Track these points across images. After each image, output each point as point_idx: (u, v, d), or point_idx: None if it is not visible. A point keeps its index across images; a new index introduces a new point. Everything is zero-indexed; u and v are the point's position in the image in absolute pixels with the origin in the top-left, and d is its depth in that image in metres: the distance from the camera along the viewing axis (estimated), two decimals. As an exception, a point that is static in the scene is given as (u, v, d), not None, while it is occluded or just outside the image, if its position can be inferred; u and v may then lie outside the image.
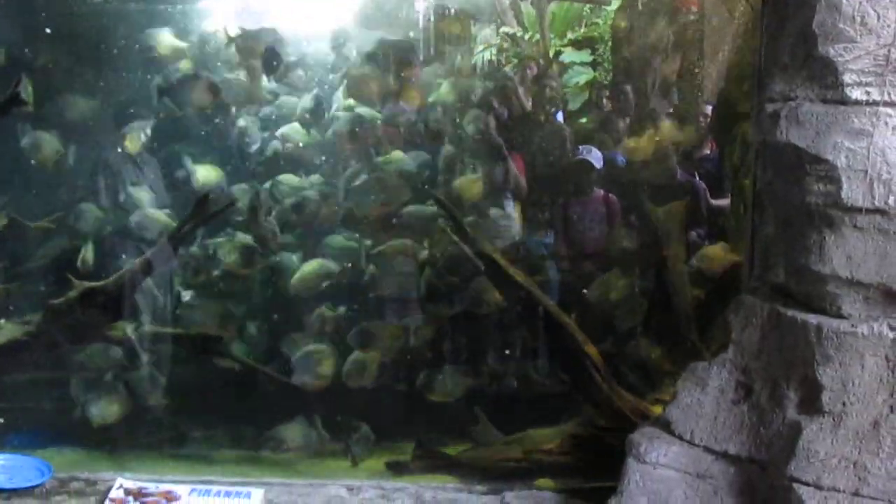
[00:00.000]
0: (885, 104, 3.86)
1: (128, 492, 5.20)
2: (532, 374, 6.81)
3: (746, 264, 4.89)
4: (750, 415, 4.30)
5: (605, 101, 7.45)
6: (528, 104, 7.21)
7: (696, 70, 6.97)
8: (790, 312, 4.16)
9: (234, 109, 7.47)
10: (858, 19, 3.89)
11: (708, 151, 7.03)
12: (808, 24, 3.97)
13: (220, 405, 6.79)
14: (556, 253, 7.16)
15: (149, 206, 7.10)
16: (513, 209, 7.13)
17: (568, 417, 6.18)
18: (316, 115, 7.40)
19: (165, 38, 7.24)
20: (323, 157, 7.44)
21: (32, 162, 6.97)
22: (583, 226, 7.11)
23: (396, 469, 6.14)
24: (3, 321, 6.55)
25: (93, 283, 6.37)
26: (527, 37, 7.75)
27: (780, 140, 4.04)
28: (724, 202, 6.84)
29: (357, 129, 7.29)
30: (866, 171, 3.84)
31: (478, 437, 6.43)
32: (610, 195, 7.09)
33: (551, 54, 7.68)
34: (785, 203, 4.20)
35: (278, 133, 7.46)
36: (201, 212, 6.52)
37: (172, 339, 6.80)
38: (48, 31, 7.05)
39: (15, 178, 6.99)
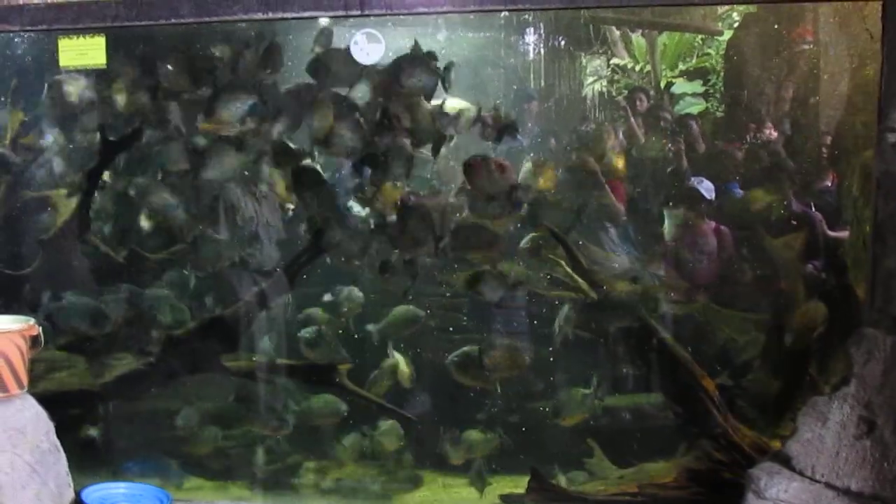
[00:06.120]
0: None
1: (243, 519, 5.29)
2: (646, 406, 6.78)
3: (868, 296, 4.81)
4: (873, 450, 4.23)
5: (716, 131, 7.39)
6: (641, 135, 7.19)
7: (812, 100, 6.88)
8: (915, 346, 4.10)
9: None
10: (983, 47, 3.84)
11: (828, 183, 6.92)
12: (931, 53, 3.93)
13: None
14: (667, 284, 7.10)
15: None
16: (616, 238, 7.10)
17: (684, 451, 6.14)
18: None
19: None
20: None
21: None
22: (692, 257, 7.05)
23: (511, 501, 6.16)
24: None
25: (210, 315, 6.53)
26: (637, 68, 7.75)
27: (903, 170, 3.99)
28: (843, 233, 6.74)
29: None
30: None
31: (592, 469, 6.41)
32: (721, 227, 7.02)
33: (662, 85, 7.65)
34: (908, 234, 4.15)
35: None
36: (316, 245, 6.63)
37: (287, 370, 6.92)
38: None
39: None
